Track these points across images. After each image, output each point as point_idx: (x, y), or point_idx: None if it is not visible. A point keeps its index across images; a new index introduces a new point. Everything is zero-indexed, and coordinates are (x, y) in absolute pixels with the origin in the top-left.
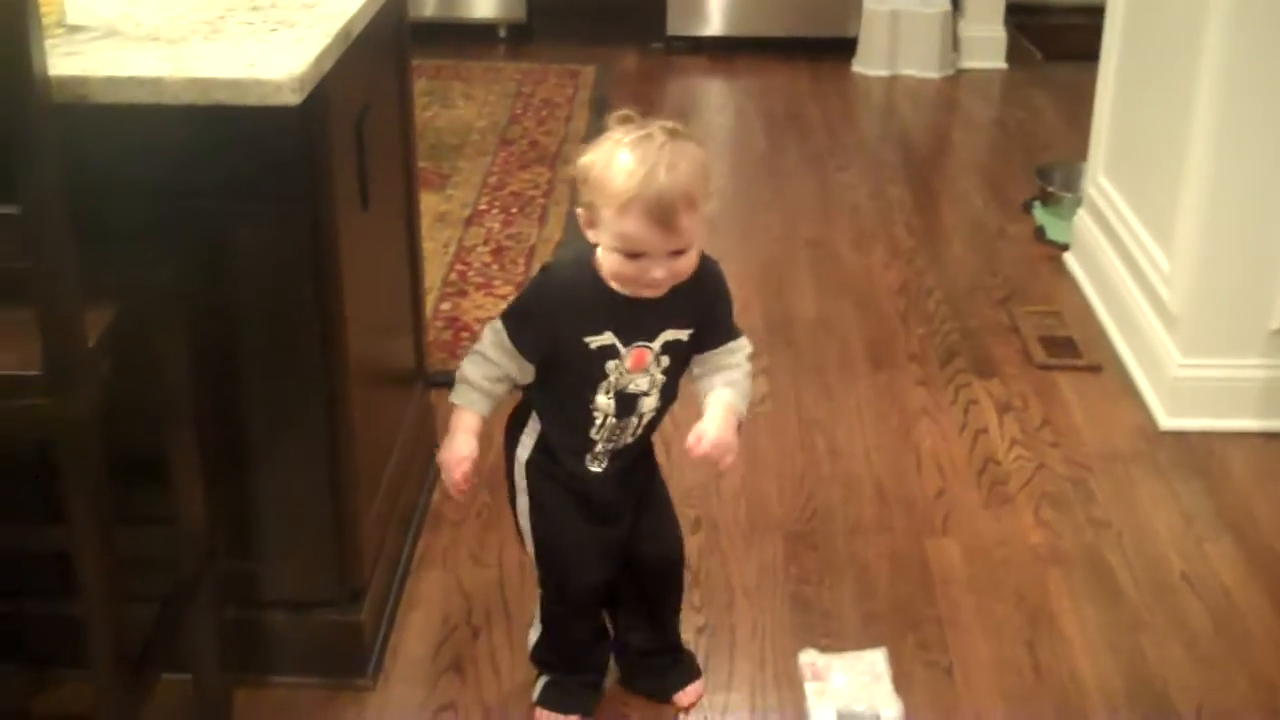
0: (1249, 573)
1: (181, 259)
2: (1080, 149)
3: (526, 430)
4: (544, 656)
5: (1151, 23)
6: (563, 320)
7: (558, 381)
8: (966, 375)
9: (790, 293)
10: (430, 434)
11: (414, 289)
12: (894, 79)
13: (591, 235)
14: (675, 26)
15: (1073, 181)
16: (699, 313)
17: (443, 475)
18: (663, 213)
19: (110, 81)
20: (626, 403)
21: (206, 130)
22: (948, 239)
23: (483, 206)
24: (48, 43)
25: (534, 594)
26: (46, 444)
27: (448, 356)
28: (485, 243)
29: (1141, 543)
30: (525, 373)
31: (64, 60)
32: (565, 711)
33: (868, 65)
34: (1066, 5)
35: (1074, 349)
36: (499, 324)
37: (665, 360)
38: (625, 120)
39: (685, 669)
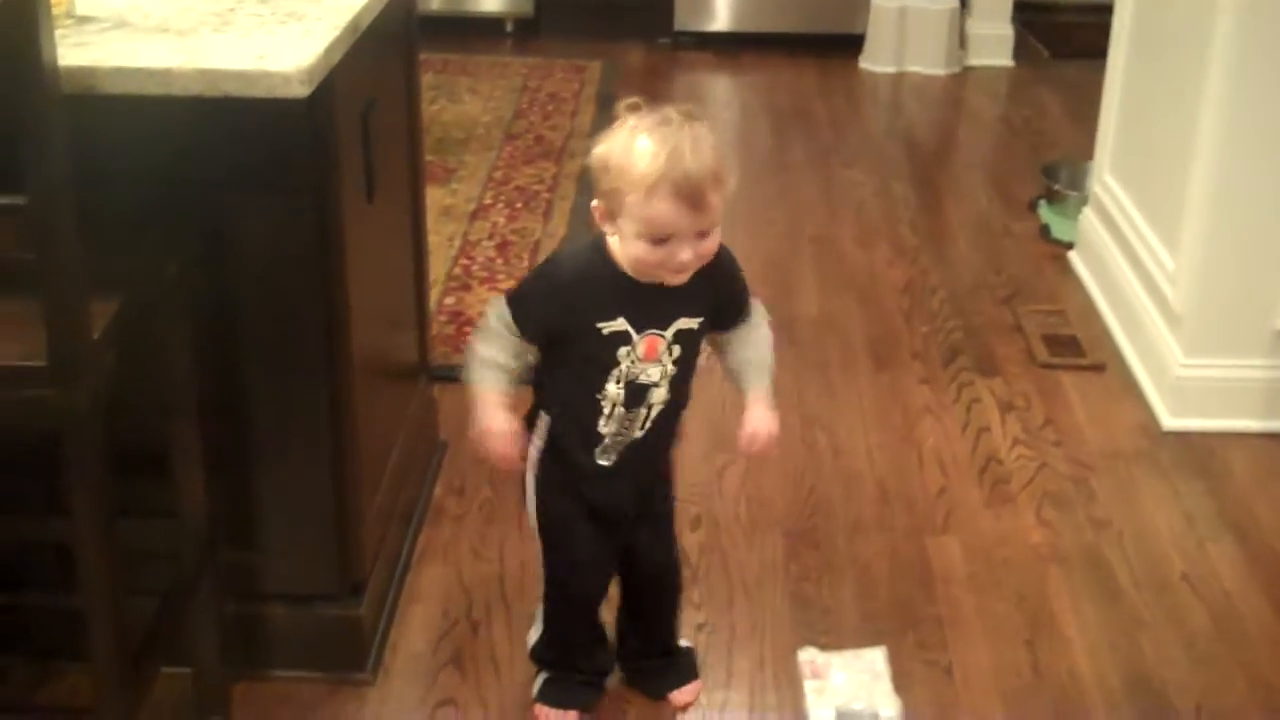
0: (1249, 573)
1: (186, 250)
2: (1086, 148)
3: (537, 431)
4: (544, 655)
5: (1159, 22)
6: (573, 306)
7: (567, 370)
8: (969, 374)
9: (794, 289)
10: (433, 428)
11: (418, 283)
12: (901, 76)
13: (609, 228)
14: (682, 22)
15: (1078, 180)
16: (713, 300)
17: (485, 451)
18: (692, 191)
19: (119, 72)
20: (636, 393)
21: (214, 122)
22: (952, 237)
23: (488, 201)
24: (57, 33)
25: (534, 589)
26: (49, 435)
27: (451, 350)
28: (490, 237)
29: (1142, 542)
30: (523, 354)
31: (73, 51)
32: (564, 708)
33: (875, 62)
34: (1074, 3)
35: (1077, 348)
36: (503, 305)
37: (676, 350)
38: (635, 108)
39: (682, 669)
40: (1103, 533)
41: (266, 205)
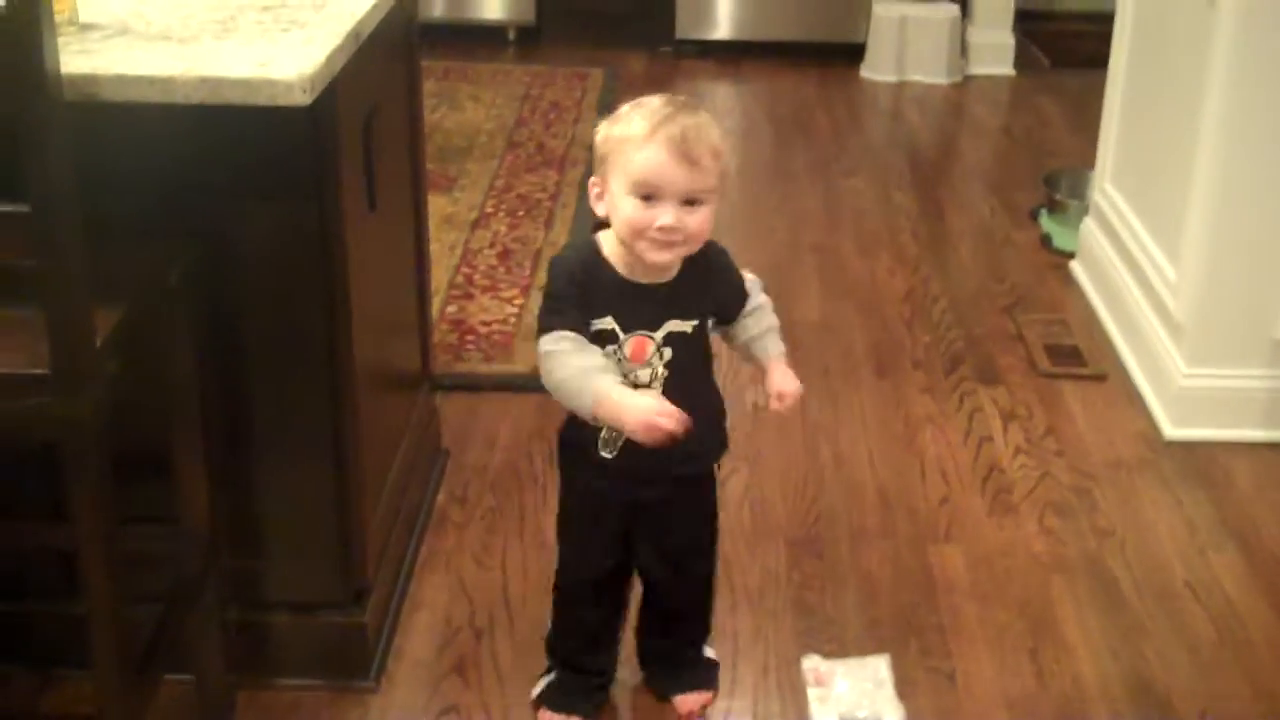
0: (1252, 582)
1: (188, 258)
2: (1087, 157)
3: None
4: (553, 645)
5: (1160, 31)
6: (583, 302)
7: None
8: (971, 383)
9: (795, 298)
10: (435, 436)
11: (420, 291)
12: (902, 85)
13: (602, 207)
14: (684, 30)
15: (1079, 189)
16: (707, 304)
17: (662, 426)
18: (684, 143)
19: (121, 80)
20: None
21: (216, 129)
22: (954, 246)
23: (489, 209)
24: (59, 41)
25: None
26: (52, 443)
27: (453, 359)
28: (492, 245)
29: (1145, 551)
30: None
31: (75, 58)
32: (566, 712)
33: (876, 71)
34: (1075, 12)
35: (1079, 357)
36: (543, 330)
37: (667, 353)
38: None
39: (695, 675)
40: (1105, 541)
41: (268, 213)
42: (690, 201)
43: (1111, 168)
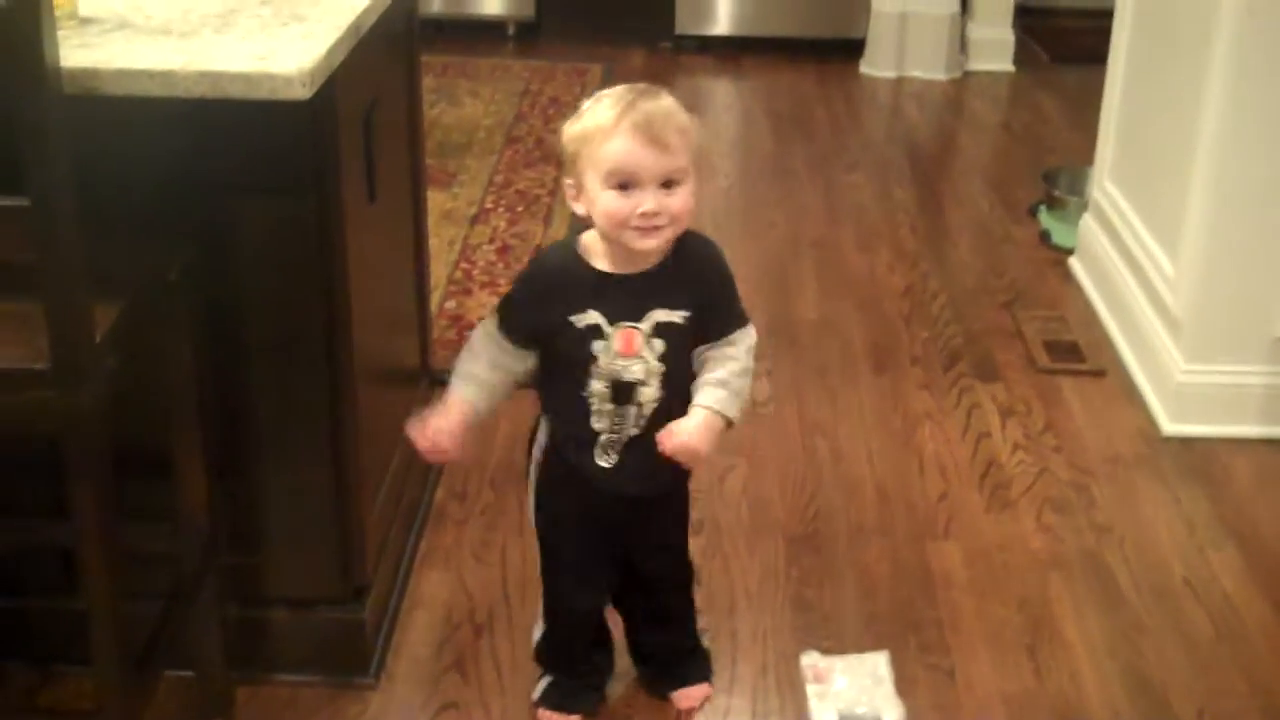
0: (1250, 579)
1: (188, 253)
2: (1086, 153)
3: (540, 431)
4: (546, 654)
5: (1160, 27)
6: (549, 302)
7: (554, 370)
8: (969, 379)
9: (794, 293)
10: None
11: (419, 286)
12: (901, 80)
13: (581, 205)
14: (683, 26)
15: (1078, 186)
16: (695, 295)
17: (415, 435)
18: (650, 128)
19: (121, 74)
20: (622, 391)
21: (216, 123)
22: (953, 242)
23: (488, 205)
24: (60, 34)
25: (537, 592)
26: (52, 438)
27: (452, 355)
28: (490, 241)
29: (1143, 548)
30: (519, 360)
31: (75, 52)
32: (566, 712)
33: (875, 66)
34: (1075, 8)
35: (1078, 354)
36: (491, 314)
37: (659, 345)
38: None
39: (691, 669)
40: (1103, 538)
41: (268, 207)
42: (667, 183)
43: (1111, 164)
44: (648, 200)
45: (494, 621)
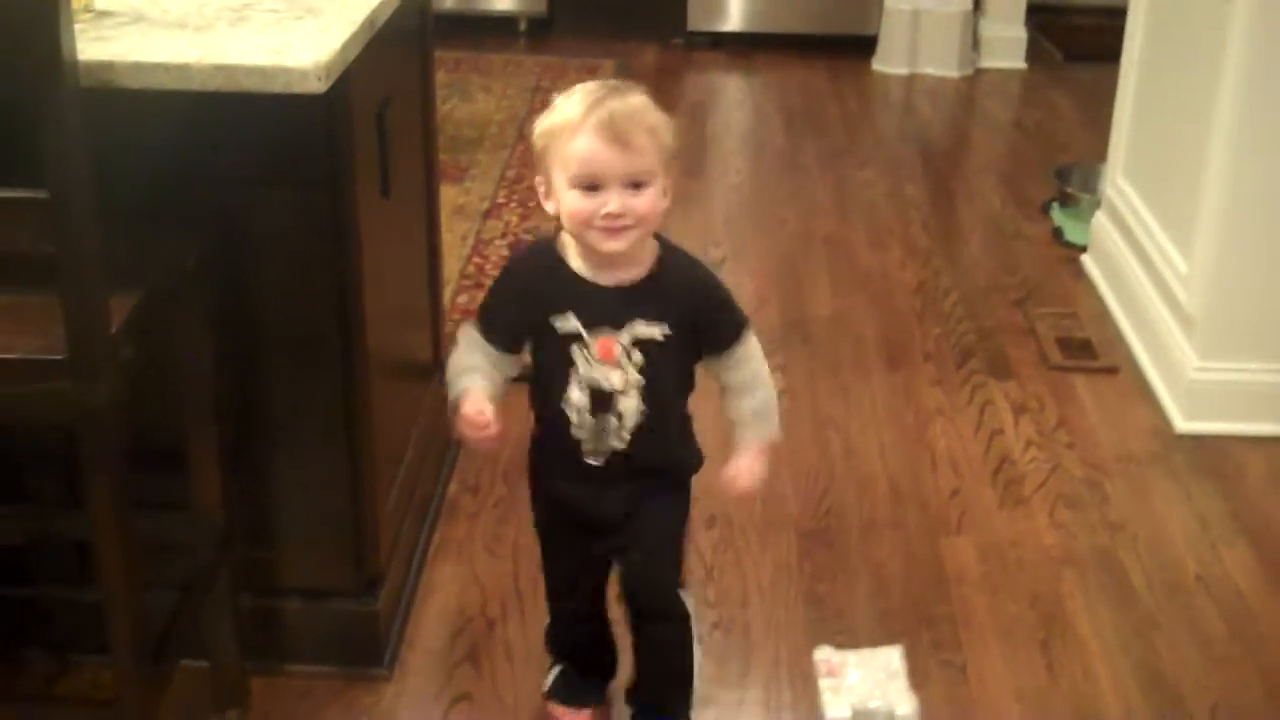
0: (1264, 576)
1: (203, 245)
2: (1099, 150)
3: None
4: (552, 642)
5: (1173, 24)
6: (529, 303)
7: (541, 372)
8: (982, 376)
9: (806, 290)
10: (447, 426)
11: (432, 280)
12: (913, 77)
13: (552, 204)
14: (695, 22)
15: (1091, 183)
16: (677, 312)
17: (465, 435)
18: (615, 127)
19: (137, 67)
20: (601, 400)
21: (231, 117)
22: (965, 239)
23: (500, 200)
24: (76, 27)
25: None
26: (68, 429)
27: None
28: (503, 236)
29: (1156, 545)
30: (506, 364)
31: (92, 45)
32: (575, 704)
33: (887, 63)
34: (1087, 6)
35: (1090, 351)
36: (471, 319)
37: (638, 357)
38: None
39: None
40: (1116, 535)
41: (283, 200)
42: (634, 184)
43: (1123, 161)
44: (612, 201)
45: (506, 613)
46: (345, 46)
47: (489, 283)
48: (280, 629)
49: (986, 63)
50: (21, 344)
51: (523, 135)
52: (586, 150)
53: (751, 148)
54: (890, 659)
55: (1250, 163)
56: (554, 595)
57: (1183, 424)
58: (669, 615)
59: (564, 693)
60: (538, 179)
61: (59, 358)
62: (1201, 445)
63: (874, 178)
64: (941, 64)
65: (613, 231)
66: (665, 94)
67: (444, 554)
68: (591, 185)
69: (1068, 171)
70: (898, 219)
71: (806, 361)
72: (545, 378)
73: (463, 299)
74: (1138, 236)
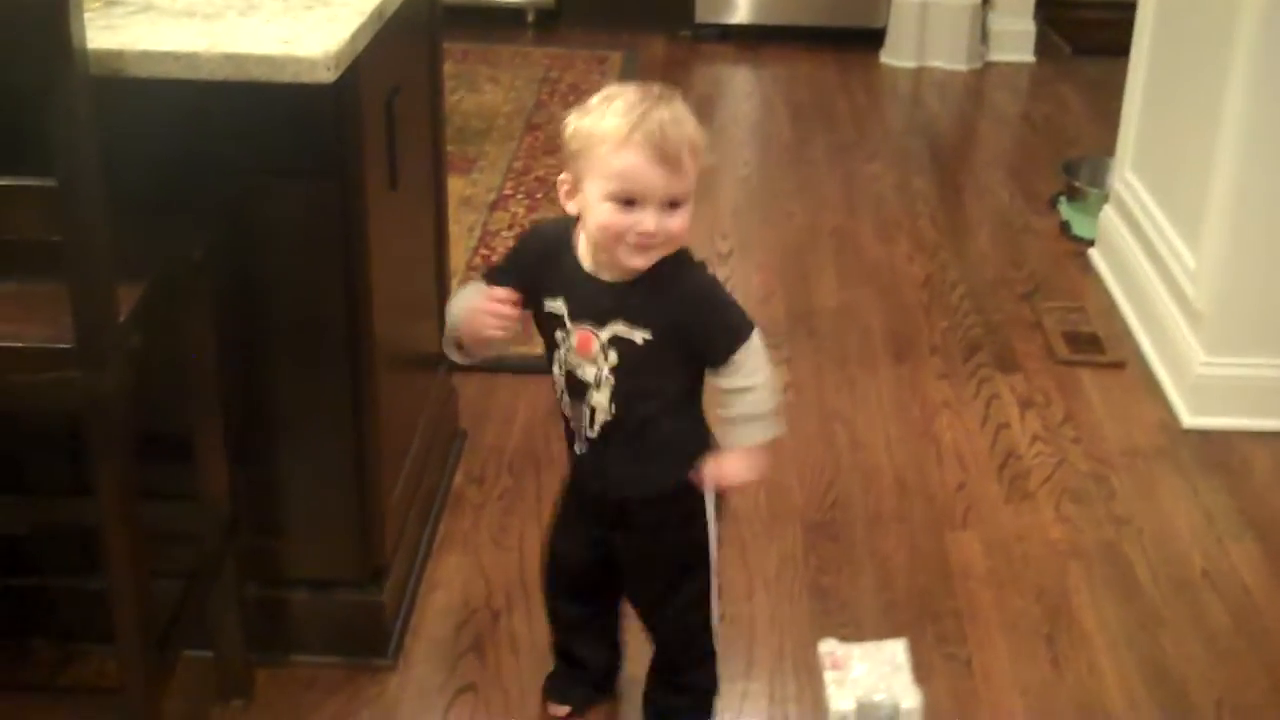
0: (1270, 571)
1: (211, 235)
2: (1107, 144)
3: None
4: (551, 630)
5: (1183, 18)
6: (531, 276)
7: (545, 344)
8: (989, 369)
9: (813, 282)
10: (453, 417)
11: (439, 271)
12: (921, 70)
13: (574, 204)
14: (703, 14)
15: (1099, 177)
16: (663, 318)
17: (481, 321)
18: (665, 146)
19: (146, 56)
20: (576, 388)
21: (240, 106)
22: (972, 232)
23: (507, 191)
24: (86, 16)
25: None
26: (75, 417)
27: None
28: (510, 227)
29: (1162, 539)
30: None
31: (101, 34)
32: (559, 702)
33: (895, 56)
34: (1096, 0)
35: (1097, 345)
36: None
37: (613, 356)
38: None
39: None
40: (1122, 529)
41: (291, 190)
42: (671, 204)
43: (1132, 155)
44: (648, 220)
45: (511, 605)
46: (355, 36)
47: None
48: (285, 619)
49: (995, 56)
50: (30, 332)
51: (530, 127)
52: (631, 168)
53: (759, 140)
54: (895, 652)
55: (1259, 158)
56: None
57: (1189, 419)
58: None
59: (550, 688)
60: (562, 177)
61: (67, 346)
62: (1208, 440)
63: (882, 171)
64: (950, 57)
65: (643, 248)
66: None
67: (449, 545)
68: (629, 201)
69: (1076, 165)
70: (905, 212)
71: (813, 354)
72: (547, 351)
73: None
74: (1146, 231)
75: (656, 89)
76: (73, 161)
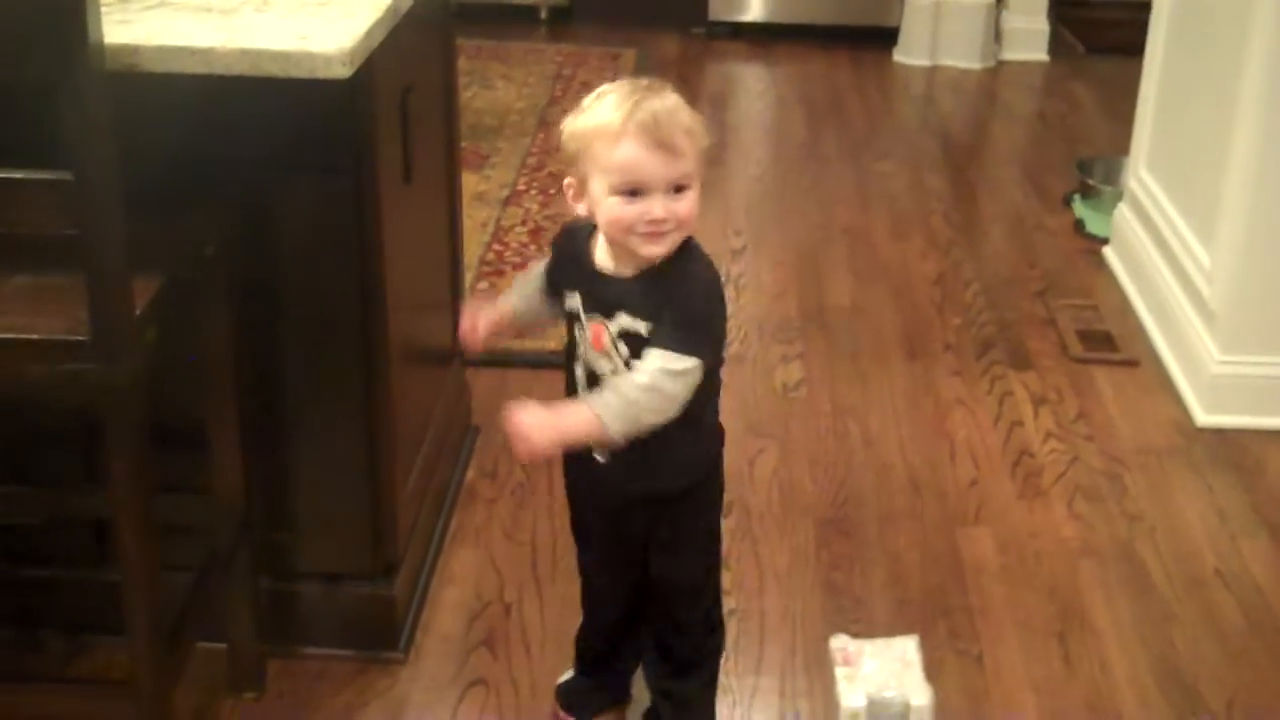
0: None
1: (226, 229)
2: (1121, 143)
3: None
4: (577, 643)
5: (1197, 16)
6: (560, 269)
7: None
8: (1002, 367)
9: (826, 280)
10: (466, 412)
11: (453, 267)
12: (935, 69)
13: (583, 205)
14: (717, 12)
15: (1113, 175)
16: (659, 308)
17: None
18: (659, 131)
19: (162, 50)
20: (595, 383)
21: (255, 101)
22: (986, 230)
23: (521, 187)
24: (102, 10)
25: (566, 572)
26: (88, 409)
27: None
28: (523, 223)
29: (1175, 538)
30: (546, 302)
31: (117, 28)
32: (568, 711)
33: (909, 55)
34: None
35: (1111, 343)
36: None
37: (624, 349)
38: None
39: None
40: (1135, 527)
41: (306, 185)
42: (676, 189)
43: (1146, 154)
44: (656, 207)
45: (523, 599)
46: (370, 32)
47: (509, 270)
48: (297, 612)
49: (1008, 55)
50: (45, 325)
51: (543, 123)
52: (630, 157)
53: (772, 138)
54: (906, 649)
55: (1274, 156)
56: (584, 577)
57: (1203, 417)
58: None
59: (564, 698)
60: (567, 181)
61: (82, 338)
62: (1222, 439)
63: (895, 169)
64: (963, 56)
65: (656, 236)
66: (686, 84)
67: (461, 539)
68: (634, 191)
69: (1089, 163)
70: (918, 210)
71: (826, 351)
72: (568, 345)
73: (483, 285)
74: (1160, 229)
75: (645, 81)
76: (88, 155)
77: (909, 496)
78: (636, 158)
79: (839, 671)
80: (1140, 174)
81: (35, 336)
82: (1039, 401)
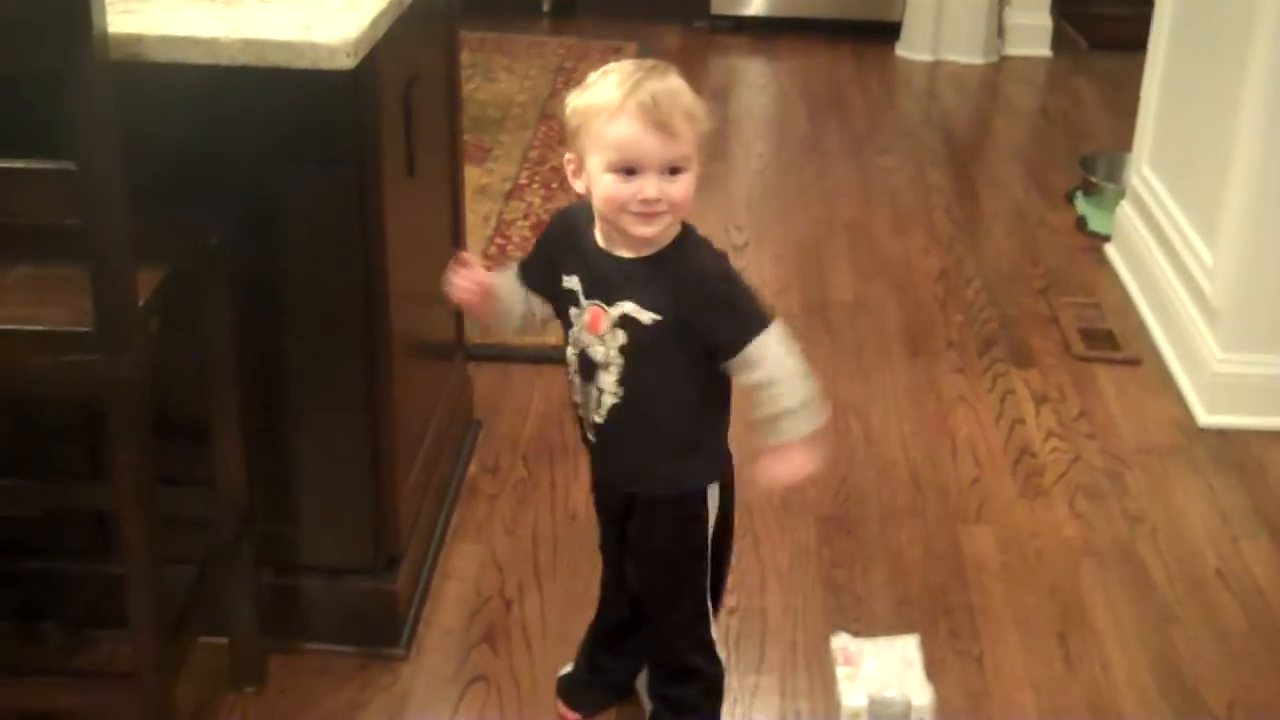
0: None
1: (229, 221)
2: (1124, 139)
3: None
4: (587, 632)
5: (1200, 13)
6: (552, 254)
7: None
8: (1004, 364)
9: (828, 275)
10: (468, 407)
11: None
12: (937, 64)
13: (581, 182)
14: (719, 5)
15: (1115, 172)
16: (675, 302)
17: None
18: (658, 111)
19: (165, 40)
20: (587, 368)
21: (258, 92)
22: (988, 227)
23: (523, 180)
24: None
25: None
26: (92, 401)
27: (485, 329)
28: (525, 216)
29: (1176, 538)
30: (529, 299)
31: (121, 18)
32: (568, 705)
33: (911, 49)
34: None
35: (1113, 341)
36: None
37: (621, 337)
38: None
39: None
40: (1136, 527)
41: (309, 177)
42: (672, 170)
43: (1149, 151)
44: (649, 187)
45: (524, 595)
46: (374, 23)
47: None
48: (299, 606)
49: (1011, 50)
50: (49, 316)
51: (545, 116)
52: (626, 135)
53: (774, 132)
54: (907, 648)
55: (1277, 155)
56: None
57: (1205, 417)
58: (688, 673)
59: (563, 691)
60: (567, 157)
61: (86, 329)
62: (1224, 439)
63: (897, 164)
64: (966, 51)
65: (647, 216)
66: (688, 77)
67: (463, 534)
68: (629, 170)
69: (1092, 160)
70: (920, 206)
71: (828, 347)
72: (561, 327)
73: None
74: (1162, 227)
75: (650, 62)
76: (92, 145)
77: (910, 494)
78: (633, 136)
79: (840, 671)
80: (1142, 171)
81: (39, 327)
82: (1041, 400)
